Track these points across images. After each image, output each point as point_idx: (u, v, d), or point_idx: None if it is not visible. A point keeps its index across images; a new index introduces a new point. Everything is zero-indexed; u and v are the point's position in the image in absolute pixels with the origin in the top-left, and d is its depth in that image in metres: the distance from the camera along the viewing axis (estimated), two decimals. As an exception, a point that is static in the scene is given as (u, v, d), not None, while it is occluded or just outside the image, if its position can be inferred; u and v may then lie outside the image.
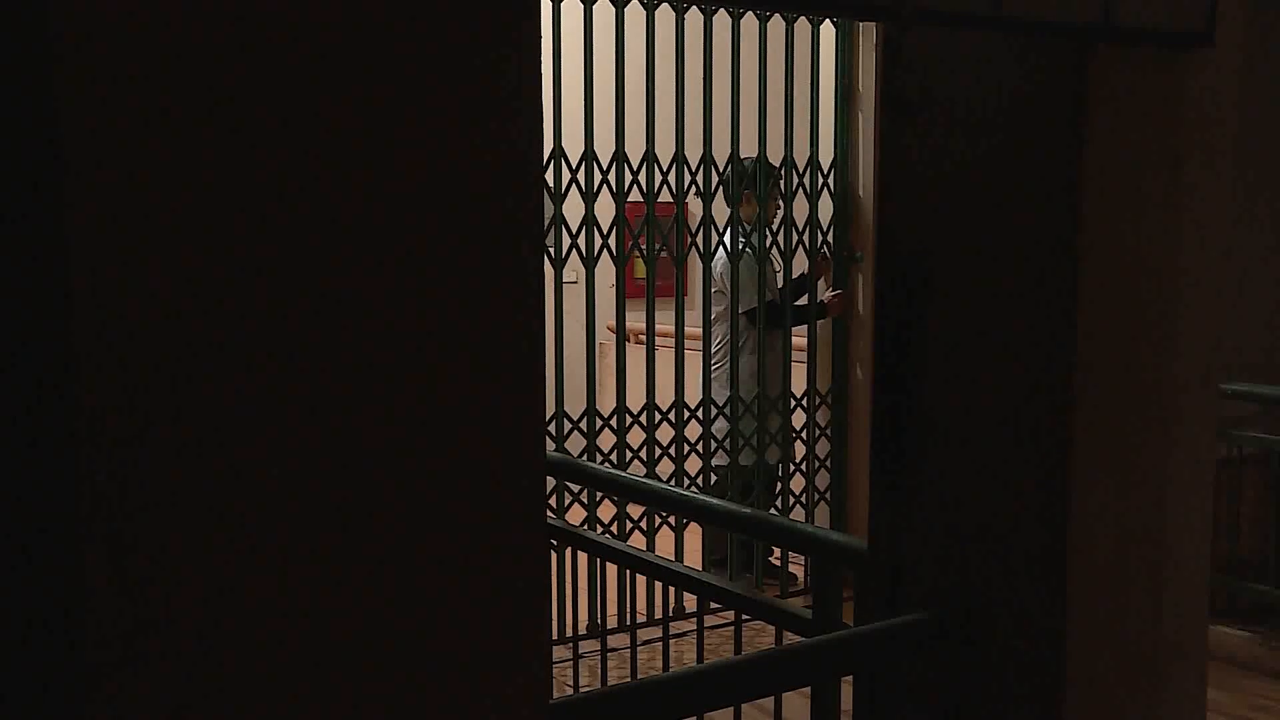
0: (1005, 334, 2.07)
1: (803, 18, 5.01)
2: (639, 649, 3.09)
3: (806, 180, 5.40)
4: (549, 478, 4.36)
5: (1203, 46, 1.87)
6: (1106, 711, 2.05)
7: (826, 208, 5.49)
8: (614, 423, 4.99)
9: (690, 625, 3.49)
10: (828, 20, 5.30)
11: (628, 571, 2.95)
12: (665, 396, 5.36)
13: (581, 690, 3.44)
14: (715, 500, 2.68)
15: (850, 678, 2.23)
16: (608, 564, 4.43)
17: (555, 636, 4.37)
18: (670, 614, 3.08)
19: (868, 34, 5.09)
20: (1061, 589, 2.02)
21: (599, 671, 3.33)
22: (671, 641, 3.14)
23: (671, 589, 3.62)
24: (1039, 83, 2.01)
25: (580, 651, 3.57)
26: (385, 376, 1.09)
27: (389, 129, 1.08)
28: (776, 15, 4.90)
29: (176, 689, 1.00)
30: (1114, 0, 1.78)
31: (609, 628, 4.05)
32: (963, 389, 2.13)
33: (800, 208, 5.57)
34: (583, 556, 3.64)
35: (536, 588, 1.21)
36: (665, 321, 6.64)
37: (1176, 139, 1.95)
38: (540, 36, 1.21)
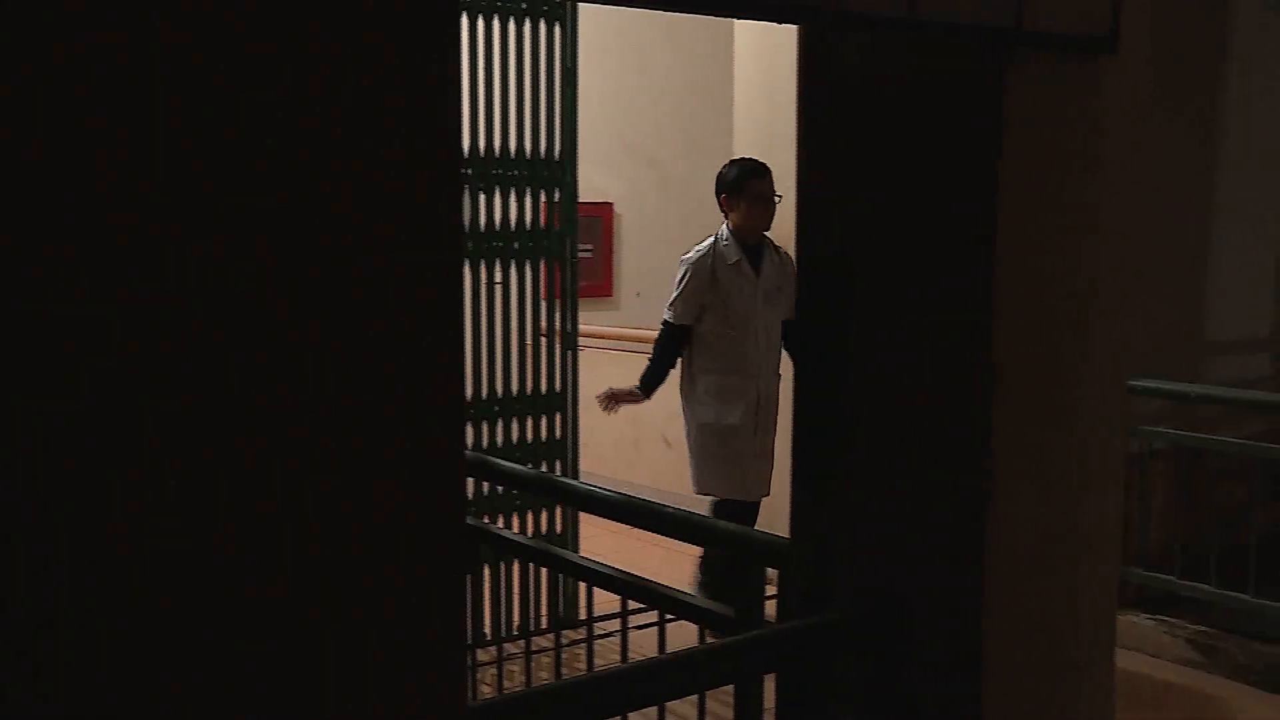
0: (924, 334, 2.10)
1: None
2: (563, 651, 3.08)
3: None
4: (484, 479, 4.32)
5: (1108, 55, 1.91)
6: (1025, 703, 2.08)
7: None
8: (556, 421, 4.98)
9: (614, 626, 3.49)
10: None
11: (557, 574, 2.93)
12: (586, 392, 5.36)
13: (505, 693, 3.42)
14: (637, 498, 2.68)
15: (773, 676, 2.24)
16: (532, 566, 4.41)
17: (480, 639, 4.35)
18: (594, 615, 3.08)
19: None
20: (980, 584, 2.05)
21: (525, 675, 3.32)
22: (596, 643, 3.14)
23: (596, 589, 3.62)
24: (956, 86, 2.04)
25: (505, 654, 3.54)
26: (301, 374, 1.08)
27: (306, 124, 1.06)
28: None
29: (70, 690, 0.97)
30: (1026, 5, 1.81)
31: (534, 630, 4.04)
32: (883, 388, 2.15)
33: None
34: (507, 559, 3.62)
35: (453, 588, 1.20)
36: (589, 323, 6.65)
37: (1087, 143, 2.00)
38: (460, 36, 1.20)
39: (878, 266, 2.14)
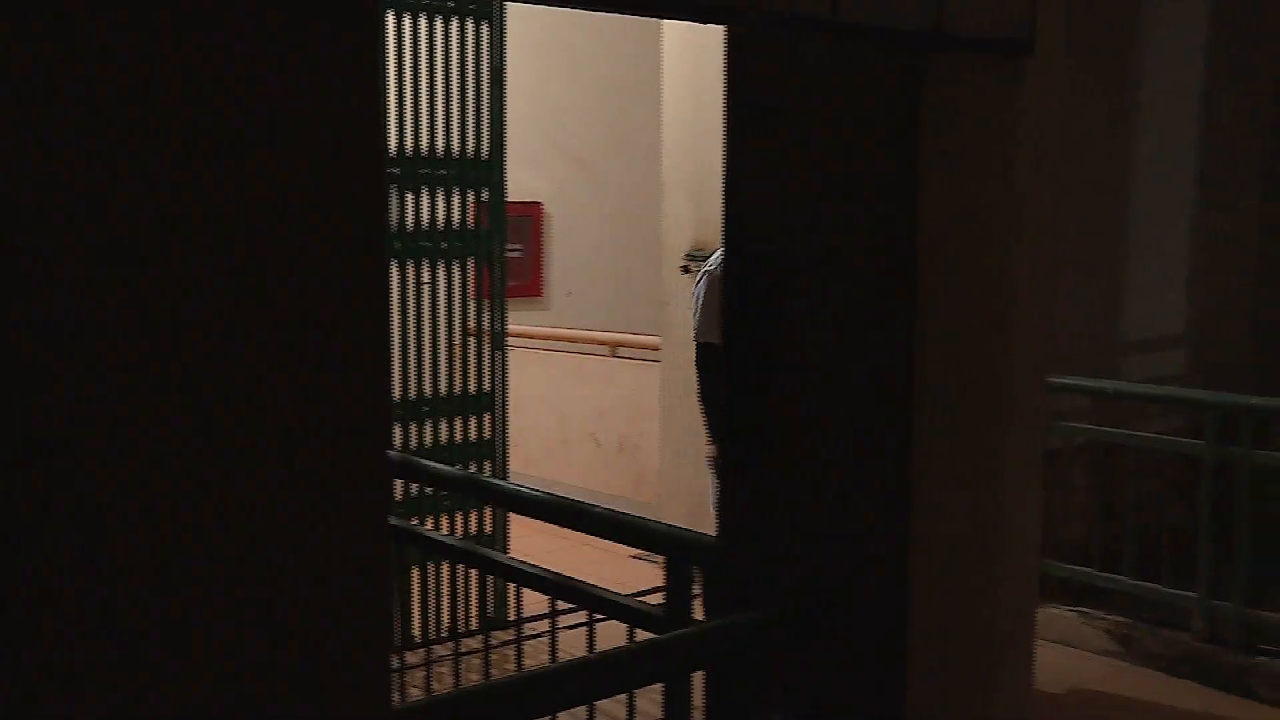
0: (850, 334, 2.13)
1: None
2: (492, 652, 3.06)
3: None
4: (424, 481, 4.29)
5: (1026, 56, 1.95)
6: (948, 692, 2.12)
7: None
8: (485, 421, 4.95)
9: (544, 626, 3.48)
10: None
11: (486, 575, 2.91)
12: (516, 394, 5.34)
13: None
14: (564, 498, 2.67)
15: (702, 672, 2.25)
16: (461, 567, 4.38)
17: (409, 641, 4.31)
18: (523, 615, 3.07)
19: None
20: (904, 578, 2.08)
21: (454, 677, 3.30)
22: (525, 643, 3.13)
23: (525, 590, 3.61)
24: (879, 87, 2.07)
25: (434, 656, 3.52)
26: (219, 375, 1.06)
27: (219, 121, 1.05)
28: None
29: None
30: (945, 9, 1.84)
31: (463, 631, 4.01)
32: (809, 387, 2.18)
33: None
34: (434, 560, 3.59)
35: (377, 590, 1.19)
36: (519, 323, 6.63)
37: (1005, 144, 2.03)
38: (379, 36, 1.19)
39: (802, 266, 2.16)
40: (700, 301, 4.19)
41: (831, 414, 2.12)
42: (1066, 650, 4.38)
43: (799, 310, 2.18)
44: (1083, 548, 4.71)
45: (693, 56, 5.56)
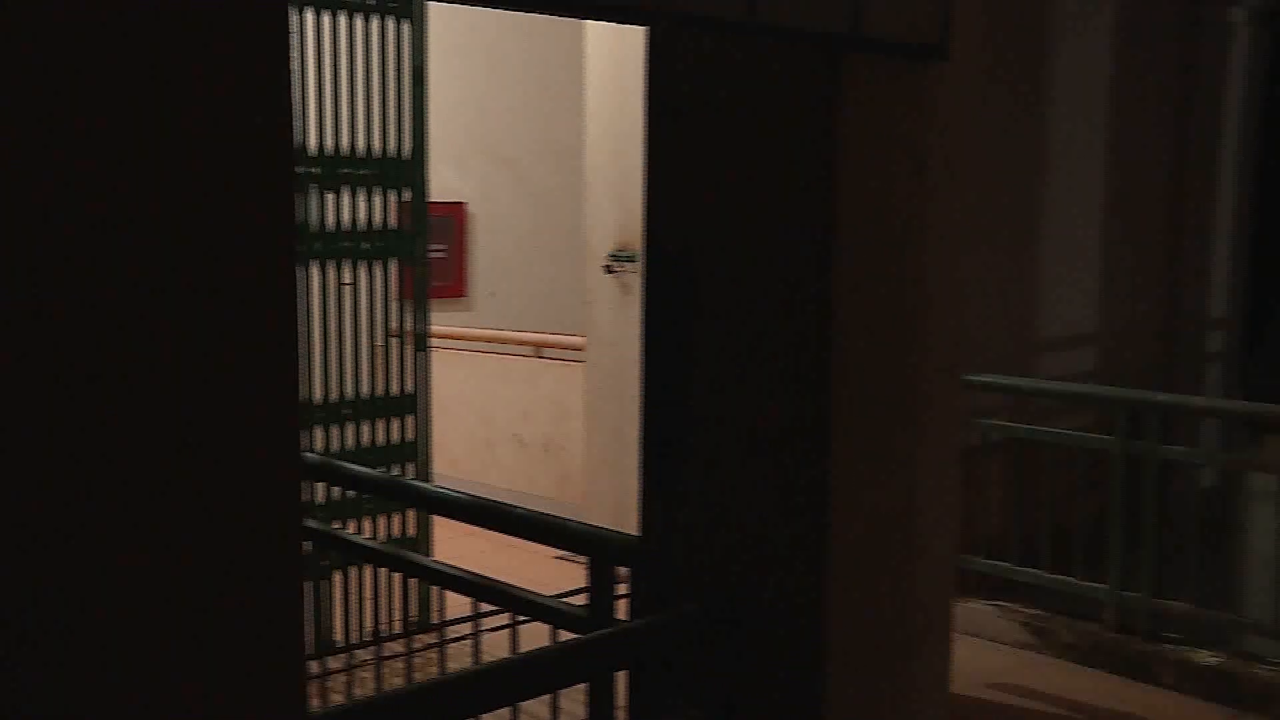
0: (767, 333, 2.14)
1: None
2: (415, 656, 3.04)
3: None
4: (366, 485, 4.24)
5: (939, 61, 1.99)
6: (865, 686, 2.15)
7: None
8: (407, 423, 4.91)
9: (468, 629, 3.47)
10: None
11: (409, 578, 2.89)
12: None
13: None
14: (486, 499, 2.66)
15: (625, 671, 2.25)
16: (384, 571, 4.34)
17: (330, 646, 4.26)
18: (446, 618, 3.05)
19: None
20: (822, 574, 2.11)
21: (377, 681, 3.26)
22: (449, 646, 3.11)
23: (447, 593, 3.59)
24: (796, 90, 2.09)
25: (356, 661, 3.48)
26: (123, 376, 1.04)
27: (115, 118, 1.03)
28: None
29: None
30: (860, 12, 1.87)
31: (386, 635, 3.98)
32: (728, 387, 2.19)
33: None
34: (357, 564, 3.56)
35: (290, 594, 1.17)
36: (443, 324, 6.58)
37: (919, 146, 2.07)
38: (286, 31, 1.17)
39: (722, 265, 2.18)
40: None
41: (749, 412, 2.14)
42: (983, 643, 4.47)
43: (718, 310, 2.19)
44: (1000, 542, 4.80)
45: (616, 57, 5.57)
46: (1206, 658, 4.11)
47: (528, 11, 1.53)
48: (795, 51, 2.02)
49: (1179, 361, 6.76)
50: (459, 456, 6.70)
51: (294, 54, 4.43)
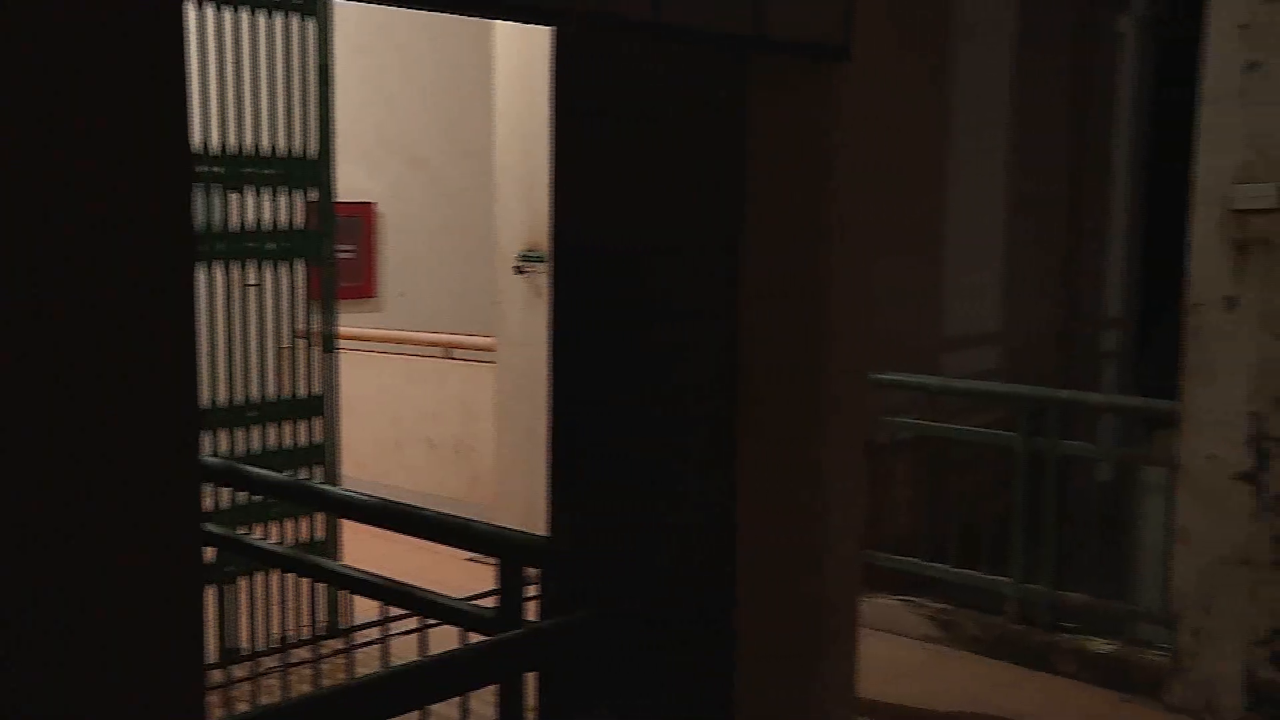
0: (676, 333, 2.15)
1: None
2: (323, 662, 3.00)
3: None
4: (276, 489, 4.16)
5: (843, 62, 2.01)
6: (774, 685, 2.17)
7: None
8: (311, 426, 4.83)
9: (376, 634, 3.42)
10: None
11: (316, 583, 2.85)
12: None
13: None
14: (394, 502, 2.63)
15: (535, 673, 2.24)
16: (292, 576, 4.27)
17: (235, 653, 4.18)
18: (354, 623, 3.01)
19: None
20: (731, 574, 2.12)
21: (283, 688, 3.21)
22: (357, 652, 3.07)
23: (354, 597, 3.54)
24: (702, 91, 2.10)
25: (260, 669, 3.42)
26: (16, 379, 1.01)
27: (18, 118, 1.00)
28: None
29: None
30: (764, 14, 1.88)
31: (293, 642, 3.91)
32: (636, 387, 2.20)
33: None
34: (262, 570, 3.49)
35: (188, 601, 1.15)
36: (352, 325, 6.50)
37: (825, 147, 2.09)
38: (184, 36, 1.15)
39: (629, 267, 2.18)
40: None
41: (658, 413, 2.14)
42: (892, 638, 4.54)
43: (626, 309, 2.19)
44: (909, 538, 4.89)
45: (525, 57, 5.55)
46: (1102, 646, 4.23)
47: (433, 11, 1.52)
48: (702, 52, 2.03)
49: (1078, 360, 6.95)
50: (368, 459, 6.62)
51: (194, 50, 4.33)
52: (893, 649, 4.43)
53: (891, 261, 5.45)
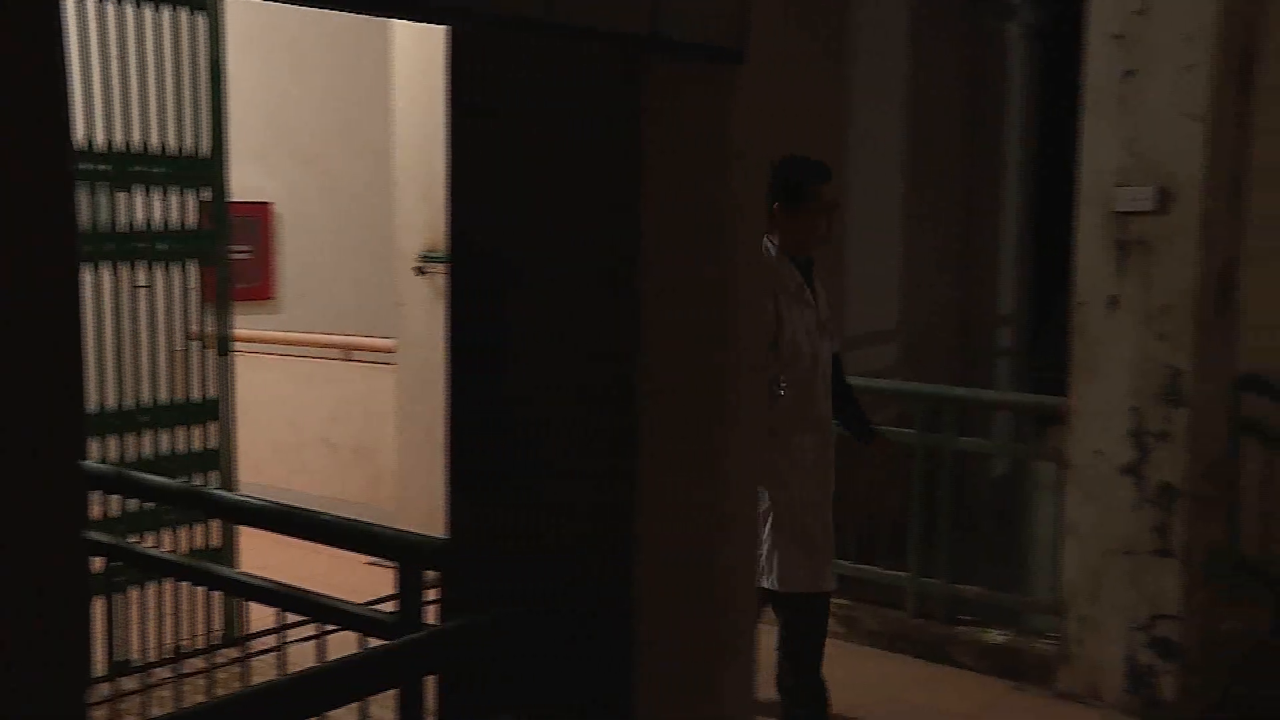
0: (576, 334, 2.15)
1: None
2: (218, 671, 2.93)
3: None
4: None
5: (739, 63, 2.03)
6: (675, 684, 2.18)
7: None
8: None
9: (273, 642, 3.36)
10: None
11: (211, 591, 2.78)
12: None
13: (156, 721, 3.22)
14: (290, 506, 2.59)
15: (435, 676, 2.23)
16: (185, 585, 4.17)
17: (125, 665, 4.06)
18: (251, 631, 2.95)
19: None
20: (632, 575, 2.13)
21: (176, 700, 3.13)
22: (254, 660, 3.01)
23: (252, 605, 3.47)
24: (601, 90, 2.10)
25: (152, 681, 3.33)
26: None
27: None
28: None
29: None
30: (661, 14, 1.89)
31: (187, 652, 3.82)
32: (535, 387, 2.19)
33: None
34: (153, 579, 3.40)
35: (76, 611, 1.12)
36: (250, 327, 6.37)
37: (722, 149, 2.11)
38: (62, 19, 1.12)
39: (529, 266, 2.17)
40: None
41: (559, 414, 2.14)
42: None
43: (526, 310, 2.19)
44: (808, 535, 4.94)
45: (423, 55, 5.51)
46: (996, 637, 4.34)
47: (325, 9, 1.50)
48: (599, 51, 2.04)
49: (974, 357, 7.12)
50: (266, 463, 6.49)
51: (75, 44, 4.21)
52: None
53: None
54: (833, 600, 4.72)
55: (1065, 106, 4.01)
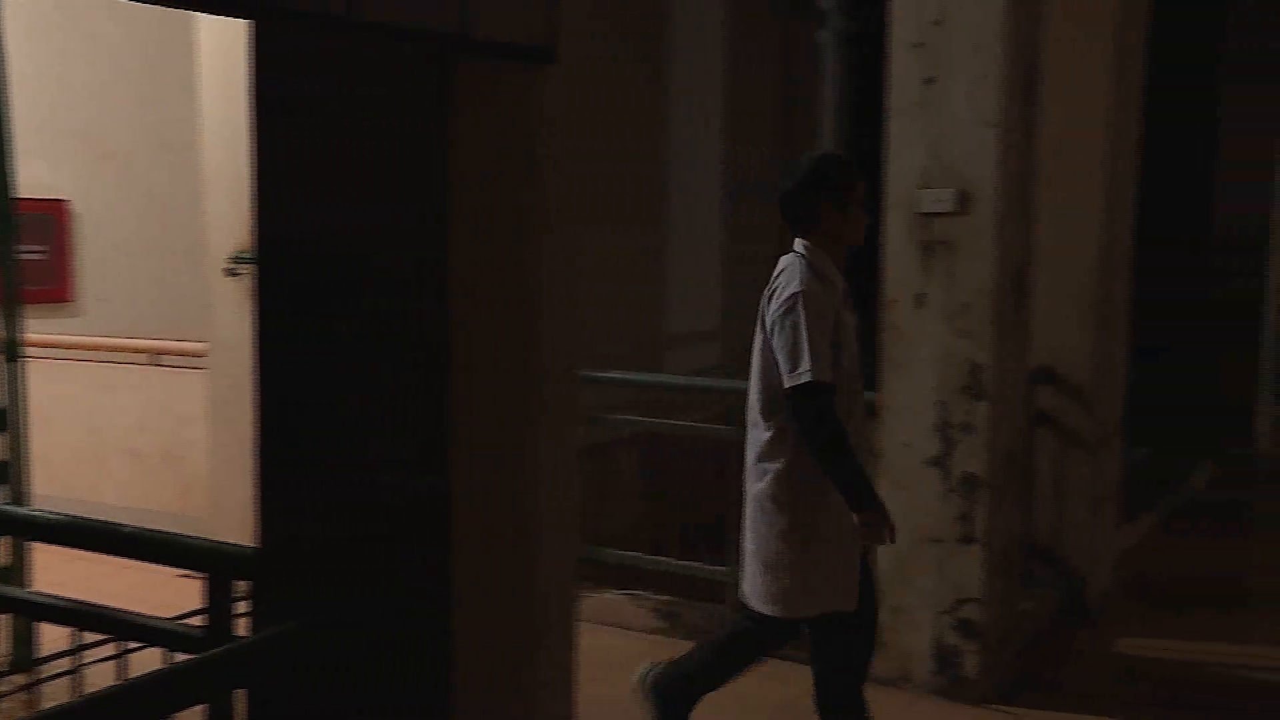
0: (386, 332, 2.11)
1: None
2: (4, 699, 2.76)
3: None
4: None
5: (548, 62, 2.03)
6: (491, 683, 2.16)
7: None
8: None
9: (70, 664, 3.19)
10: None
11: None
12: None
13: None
14: (89, 519, 2.47)
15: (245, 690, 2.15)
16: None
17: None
18: (44, 654, 2.79)
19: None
20: (446, 576, 2.10)
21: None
22: (47, 685, 2.85)
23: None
24: (409, 88, 2.07)
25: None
26: None
27: None
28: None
29: None
30: (471, 13, 1.88)
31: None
32: (344, 388, 2.14)
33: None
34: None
35: None
36: (46, 331, 6.03)
37: (532, 147, 2.11)
38: None
39: (335, 266, 2.13)
40: (818, 328, 3.12)
41: (367, 415, 2.10)
42: (616, 631, 4.63)
43: (335, 310, 2.14)
44: (633, 533, 4.99)
45: (231, 50, 5.32)
46: (815, 627, 4.46)
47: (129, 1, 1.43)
48: (406, 50, 2.01)
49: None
50: (64, 473, 6.16)
51: None
52: (615, 641, 4.51)
53: (616, 263, 5.57)
54: (655, 597, 4.79)
55: (877, 111, 4.15)
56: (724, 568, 4.66)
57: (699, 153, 6.48)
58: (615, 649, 4.41)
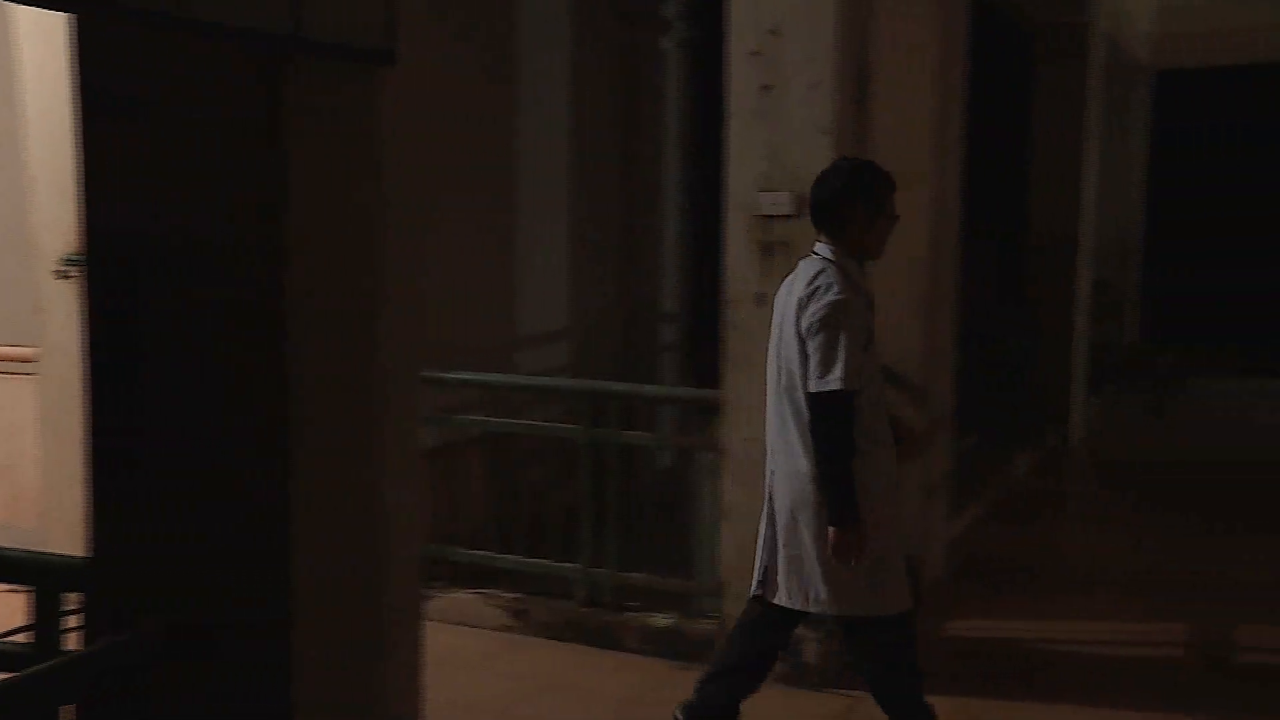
0: (222, 334, 2.09)
1: None
2: None
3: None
4: None
5: (385, 64, 2.05)
6: (335, 687, 2.16)
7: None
8: None
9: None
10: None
11: None
12: None
13: None
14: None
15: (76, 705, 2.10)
16: None
17: None
18: None
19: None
20: (287, 582, 2.09)
21: None
22: None
23: None
24: (242, 87, 2.05)
25: None
26: None
27: None
28: None
29: None
30: (305, 14, 1.88)
31: None
32: (180, 393, 2.11)
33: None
34: None
35: None
36: None
37: (371, 149, 2.12)
38: None
39: (169, 268, 2.10)
40: (850, 337, 3.14)
41: (206, 415, 2.08)
42: (467, 630, 4.63)
43: (169, 310, 2.11)
44: (482, 532, 4.99)
45: (57, 40, 5.12)
46: (661, 621, 4.54)
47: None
48: (240, 49, 1.99)
49: (639, 353, 7.40)
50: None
51: None
52: (465, 640, 4.51)
53: (465, 264, 5.56)
54: (505, 595, 4.81)
55: (719, 115, 4.25)
56: (573, 565, 4.71)
57: (544, 159, 6.52)
58: (466, 648, 4.42)
